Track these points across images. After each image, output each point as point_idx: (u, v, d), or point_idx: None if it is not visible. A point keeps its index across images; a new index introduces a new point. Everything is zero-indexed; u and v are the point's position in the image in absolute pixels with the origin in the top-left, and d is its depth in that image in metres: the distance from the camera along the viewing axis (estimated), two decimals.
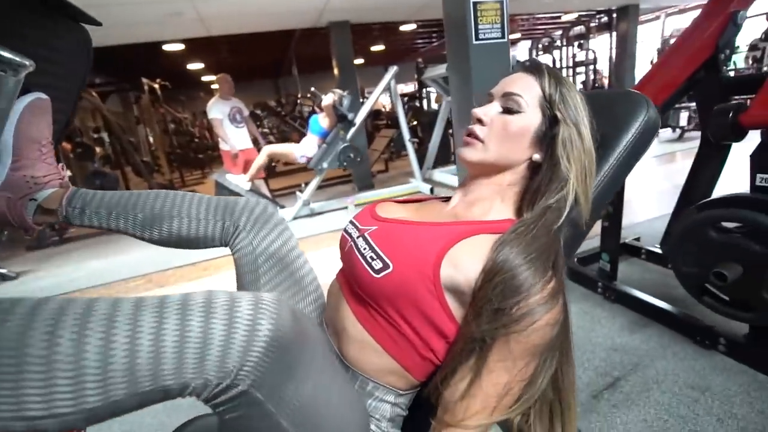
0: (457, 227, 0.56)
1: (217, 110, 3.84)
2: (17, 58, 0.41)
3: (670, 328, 1.55)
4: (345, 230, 0.67)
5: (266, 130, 6.89)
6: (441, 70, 4.19)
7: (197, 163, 8.00)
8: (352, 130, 3.81)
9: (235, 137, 3.93)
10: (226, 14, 3.91)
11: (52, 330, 0.31)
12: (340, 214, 3.92)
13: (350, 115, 3.72)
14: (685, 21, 8.32)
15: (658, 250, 2.02)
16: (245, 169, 3.91)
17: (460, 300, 0.52)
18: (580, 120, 0.57)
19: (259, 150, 3.92)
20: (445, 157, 5.40)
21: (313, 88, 4.10)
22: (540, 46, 7.00)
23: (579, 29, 6.29)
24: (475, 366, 0.48)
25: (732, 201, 1.25)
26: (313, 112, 7.41)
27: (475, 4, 1.87)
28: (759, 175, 1.25)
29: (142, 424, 1.39)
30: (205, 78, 9.78)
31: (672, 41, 7.39)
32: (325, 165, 3.75)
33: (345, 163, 3.77)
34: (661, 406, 1.21)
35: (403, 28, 6.67)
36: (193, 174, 8.33)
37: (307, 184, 4.03)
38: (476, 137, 0.60)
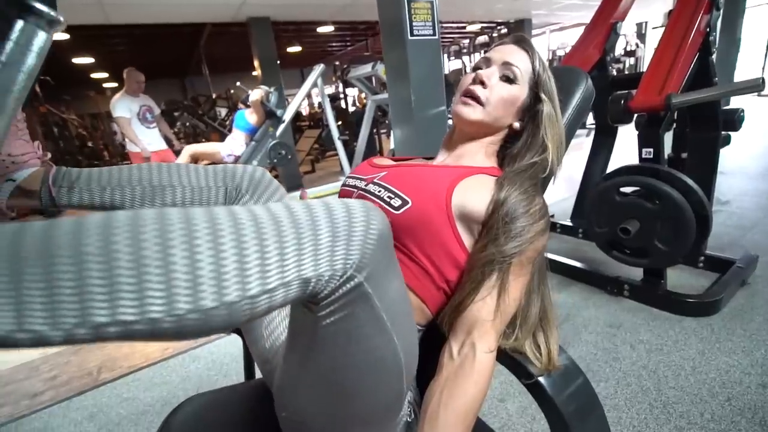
0: (457, 169, 0.64)
1: (124, 108, 3.45)
2: (52, 13, 0.37)
3: (588, 284, 1.84)
4: (345, 185, 0.71)
5: (176, 131, 6.34)
6: (365, 69, 4.30)
7: None
8: (282, 126, 3.73)
9: (146, 138, 3.58)
10: (136, 1, 3.52)
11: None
12: None
13: (279, 112, 3.64)
14: (564, 37, 9.72)
15: (570, 224, 2.37)
16: None
17: (468, 228, 0.59)
18: (555, 99, 0.68)
19: (174, 152, 3.62)
20: (372, 155, 5.53)
21: (238, 83, 3.92)
22: (451, 51, 7.57)
23: (483, 38, 6.97)
24: (498, 285, 0.56)
25: (628, 170, 1.55)
26: (231, 112, 7.02)
27: (409, 2, 2.01)
28: (644, 149, 1.56)
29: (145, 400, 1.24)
30: (95, 75, 8.62)
31: (558, 52, 8.59)
32: (254, 163, 3.62)
33: (275, 161, 3.67)
34: (590, 344, 1.45)
35: (321, 29, 6.69)
36: None
37: None
38: (477, 98, 0.66)
